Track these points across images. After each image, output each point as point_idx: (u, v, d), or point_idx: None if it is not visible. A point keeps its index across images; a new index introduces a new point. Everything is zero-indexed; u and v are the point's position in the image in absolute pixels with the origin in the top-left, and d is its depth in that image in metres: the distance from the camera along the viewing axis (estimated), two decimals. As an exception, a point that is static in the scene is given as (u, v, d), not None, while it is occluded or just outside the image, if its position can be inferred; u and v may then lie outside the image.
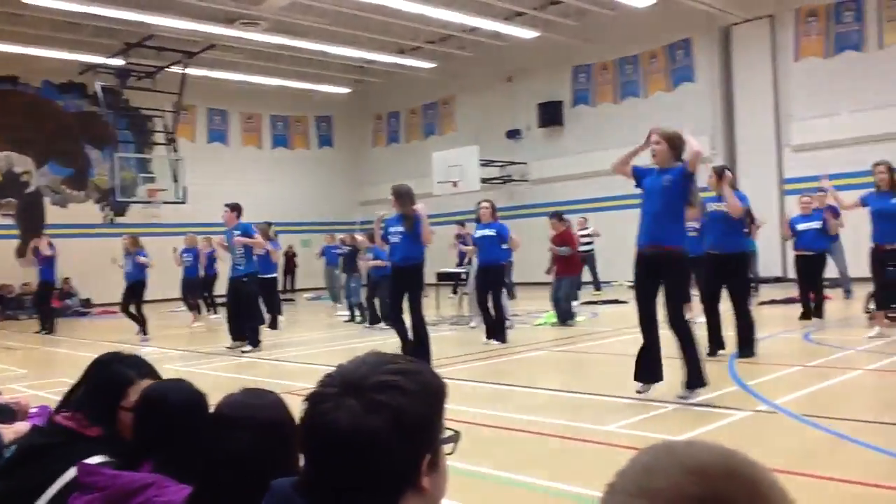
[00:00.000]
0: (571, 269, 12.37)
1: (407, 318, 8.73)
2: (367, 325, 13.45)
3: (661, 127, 6.31)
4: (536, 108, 24.22)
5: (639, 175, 6.35)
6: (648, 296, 6.10)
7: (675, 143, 6.11)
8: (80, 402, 2.29)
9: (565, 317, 12.20)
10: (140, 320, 13.27)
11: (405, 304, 8.78)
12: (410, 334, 8.65)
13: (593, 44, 22.88)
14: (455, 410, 5.33)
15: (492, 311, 10.72)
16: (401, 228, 8.73)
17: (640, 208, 6.27)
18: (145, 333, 13.18)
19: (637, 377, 6.16)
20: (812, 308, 11.00)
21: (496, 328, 10.58)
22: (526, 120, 24.74)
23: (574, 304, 12.86)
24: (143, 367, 2.39)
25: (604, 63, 23.06)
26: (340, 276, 18.53)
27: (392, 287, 9.05)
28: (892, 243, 8.79)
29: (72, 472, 1.99)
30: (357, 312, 14.42)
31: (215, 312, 16.49)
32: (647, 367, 6.11)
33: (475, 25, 22.27)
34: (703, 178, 8.75)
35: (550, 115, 23.95)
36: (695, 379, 6.00)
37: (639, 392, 6.09)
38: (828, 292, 13.16)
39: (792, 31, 19.51)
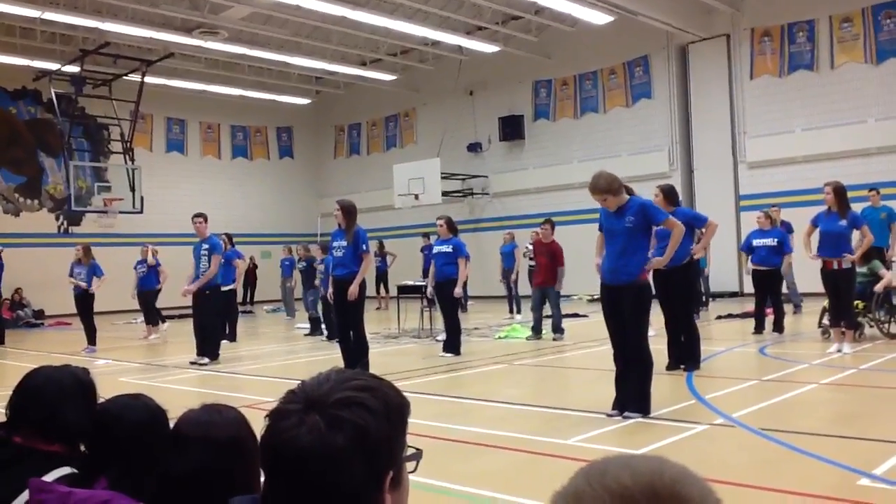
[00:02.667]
0: (555, 278, 12.23)
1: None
2: (325, 338, 13.32)
3: (591, 184, 6.14)
4: (497, 122, 24.37)
5: (601, 222, 6.42)
6: (616, 325, 6.18)
7: (612, 188, 6.12)
8: (43, 418, 2.22)
9: (558, 327, 12.09)
10: (88, 331, 13.06)
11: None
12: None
13: (553, 59, 23.13)
14: (415, 424, 5.30)
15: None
16: (344, 243, 8.83)
17: (604, 239, 6.34)
18: (93, 345, 12.96)
19: (614, 404, 6.17)
20: (770, 322, 11.34)
21: (450, 341, 10.60)
22: (487, 133, 24.88)
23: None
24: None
25: (564, 78, 23.30)
26: (290, 288, 18.53)
27: (336, 301, 9.08)
28: (839, 264, 8.99)
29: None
30: (319, 325, 14.30)
31: (163, 322, 16.18)
32: (619, 396, 6.15)
33: (437, 39, 22.37)
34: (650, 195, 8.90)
35: (511, 128, 24.11)
36: (637, 405, 6.03)
37: (609, 416, 6.09)
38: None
39: (747, 50, 19.93)
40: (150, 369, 10.62)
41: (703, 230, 8.48)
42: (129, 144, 21.46)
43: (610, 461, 0.76)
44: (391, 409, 1.18)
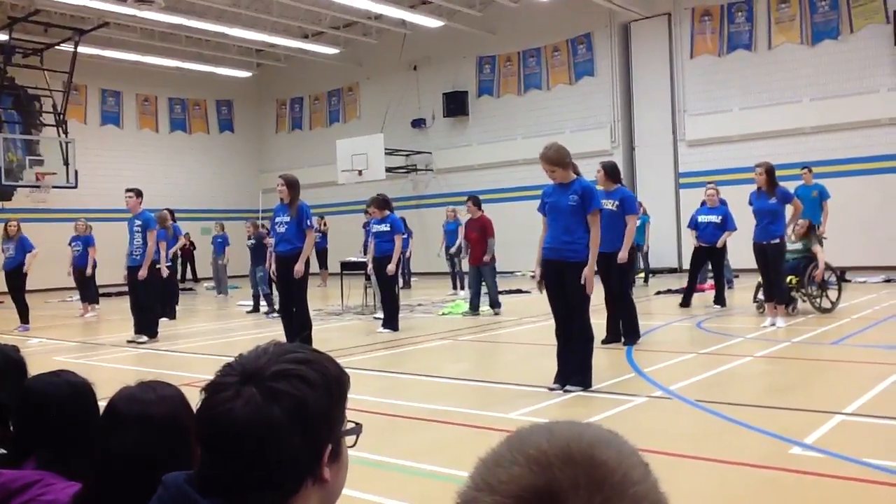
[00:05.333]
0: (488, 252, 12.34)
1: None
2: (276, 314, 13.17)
3: (544, 153, 6.23)
4: (441, 98, 24.29)
5: (542, 201, 6.41)
6: (559, 301, 6.23)
7: (563, 160, 6.20)
8: None
9: (496, 302, 12.30)
10: (20, 309, 12.68)
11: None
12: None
13: (498, 35, 23.10)
14: (357, 400, 5.31)
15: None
16: (287, 218, 8.72)
17: (546, 218, 6.35)
18: (26, 323, 12.59)
19: (555, 378, 6.24)
20: (710, 296, 11.83)
21: (388, 317, 10.64)
22: (431, 109, 24.78)
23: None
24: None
25: (508, 55, 23.31)
26: (223, 266, 18.36)
27: (279, 277, 8.97)
28: (769, 240, 9.25)
29: None
30: (263, 302, 14.11)
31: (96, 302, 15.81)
32: (561, 370, 6.22)
33: (380, 12, 22.14)
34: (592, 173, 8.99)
35: (455, 104, 24.05)
36: (579, 378, 6.12)
37: (550, 389, 6.16)
38: (712, 283, 13.93)
39: (688, 29, 20.19)
40: (86, 348, 10.38)
41: (626, 220, 8.51)
42: (62, 117, 20.82)
43: (535, 427, 0.75)
44: (330, 381, 1.16)
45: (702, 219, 11.93)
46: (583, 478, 0.67)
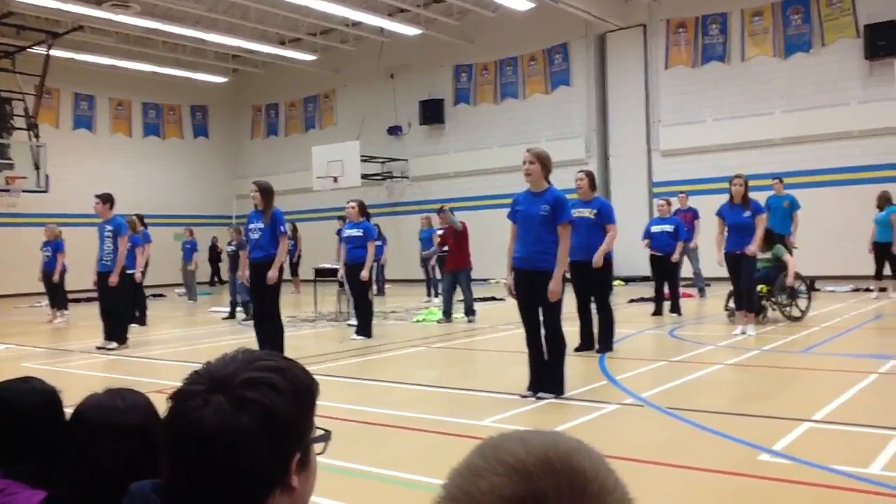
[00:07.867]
0: (466, 261, 12.37)
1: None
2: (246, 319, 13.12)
3: (533, 147, 6.42)
4: (418, 106, 24.31)
5: (513, 209, 6.43)
6: (529, 308, 6.24)
7: (545, 163, 6.26)
8: None
9: (471, 309, 12.33)
10: None
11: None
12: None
13: (475, 44, 23.19)
14: (328, 407, 5.30)
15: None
16: (261, 225, 8.68)
17: (517, 227, 6.36)
18: None
19: (528, 386, 6.26)
20: (668, 305, 12.02)
21: (361, 324, 10.64)
22: (407, 117, 24.80)
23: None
24: None
25: (484, 64, 23.40)
26: (191, 272, 18.32)
27: (252, 284, 8.91)
28: (743, 249, 9.37)
29: None
30: (240, 309, 14.02)
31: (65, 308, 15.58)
32: (533, 378, 6.24)
33: (358, 20, 22.14)
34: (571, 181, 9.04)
35: (432, 112, 24.10)
36: (552, 386, 6.14)
37: (523, 397, 6.17)
38: (687, 291, 14.09)
39: (663, 40, 20.40)
40: (55, 354, 10.25)
41: (607, 228, 8.57)
42: (33, 120, 20.59)
43: (505, 437, 0.75)
44: (299, 389, 1.16)
45: (655, 229, 12.26)
46: (565, 486, 0.68)
